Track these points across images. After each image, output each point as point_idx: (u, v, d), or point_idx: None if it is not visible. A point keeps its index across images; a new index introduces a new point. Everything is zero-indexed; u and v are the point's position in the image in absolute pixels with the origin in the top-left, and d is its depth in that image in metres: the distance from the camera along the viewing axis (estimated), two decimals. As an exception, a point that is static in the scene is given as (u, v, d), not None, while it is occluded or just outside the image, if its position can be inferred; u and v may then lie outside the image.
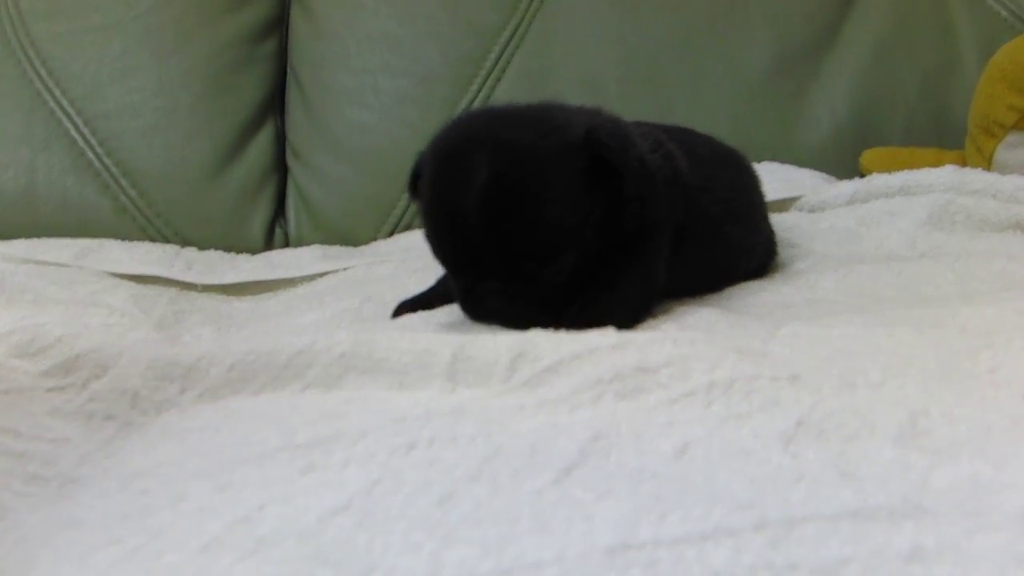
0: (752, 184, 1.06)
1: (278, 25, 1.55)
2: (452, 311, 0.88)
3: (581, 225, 0.77)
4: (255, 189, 1.47)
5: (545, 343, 0.64)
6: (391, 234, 1.44)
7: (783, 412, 0.54)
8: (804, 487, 0.48)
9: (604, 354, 0.62)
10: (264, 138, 1.50)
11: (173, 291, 1.20)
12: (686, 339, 0.63)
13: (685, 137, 0.97)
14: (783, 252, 1.10)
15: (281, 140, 1.53)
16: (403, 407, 0.60)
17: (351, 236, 1.44)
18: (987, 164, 1.25)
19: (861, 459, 0.50)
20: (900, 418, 0.53)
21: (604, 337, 0.64)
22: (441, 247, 0.80)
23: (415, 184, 0.83)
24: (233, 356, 0.73)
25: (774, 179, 1.33)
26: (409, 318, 0.87)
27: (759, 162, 1.38)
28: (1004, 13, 1.45)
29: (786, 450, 0.51)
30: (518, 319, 0.76)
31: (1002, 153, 1.23)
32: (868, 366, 0.62)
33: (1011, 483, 0.47)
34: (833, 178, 1.36)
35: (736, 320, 0.78)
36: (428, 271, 0.97)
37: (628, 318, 0.74)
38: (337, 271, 1.25)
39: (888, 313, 0.77)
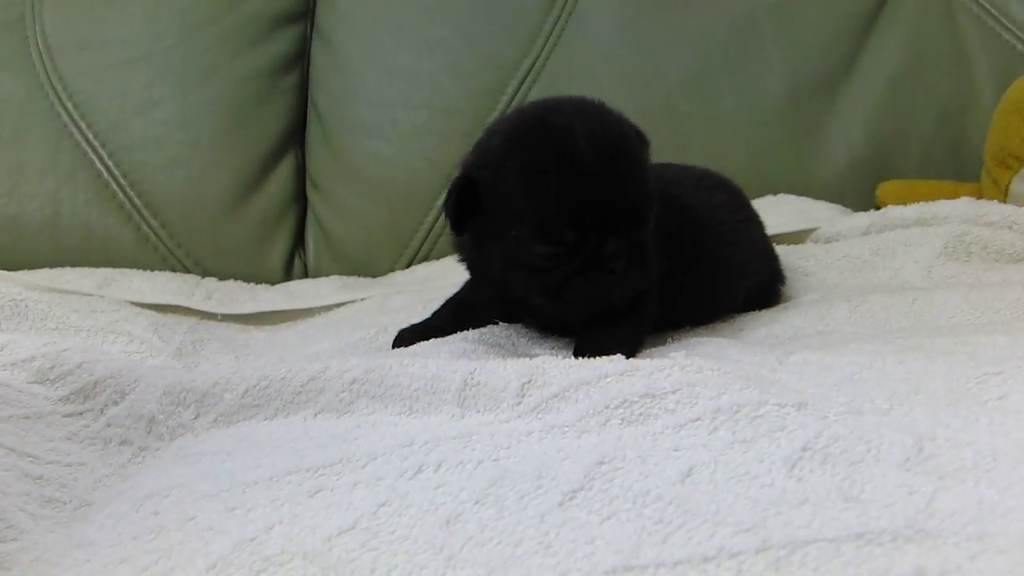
0: (737, 204, 1.06)
1: (299, 59, 1.58)
2: (463, 337, 0.88)
3: None
4: (275, 220, 1.48)
5: (553, 370, 0.65)
6: (408, 265, 1.45)
7: (788, 437, 0.54)
8: (808, 510, 0.48)
9: (612, 380, 0.63)
10: (284, 170, 1.52)
11: (193, 320, 1.21)
12: (694, 366, 0.64)
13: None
14: (797, 282, 1.10)
15: (301, 172, 1.55)
16: (412, 431, 0.61)
17: (369, 267, 1.45)
18: (1003, 196, 1.25)
19: (866, 483, 0.50)
20: (906, 443, 0.53)
21: (612, 364, 0.65)
22: (562, 215, 0.78)
23: (463, 208, 0.82)
24: (247, 382, 0.74)
25: (790, 211, 1.34)
26: (422, 345, 0.88)
27: (775, 194, 1.39)
28: (1020, 46, 1.45)
29: (791, 474, 0.51)
30: (622, 288, 0.81)
31: (1018, 185, 1.23)
32: (875, 393, 0.62)
33: (1016, 507, 0.47)
34: (849, 210, 1.36)
35: (746, 348, 0.78)
36: (443, 301, 0.98)
37: (625, 352, 0.73)
38: (354, 301, 1.26)
39: (899, 342, 0.77)
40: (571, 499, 0.50)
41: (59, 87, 1.47)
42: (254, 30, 1.52)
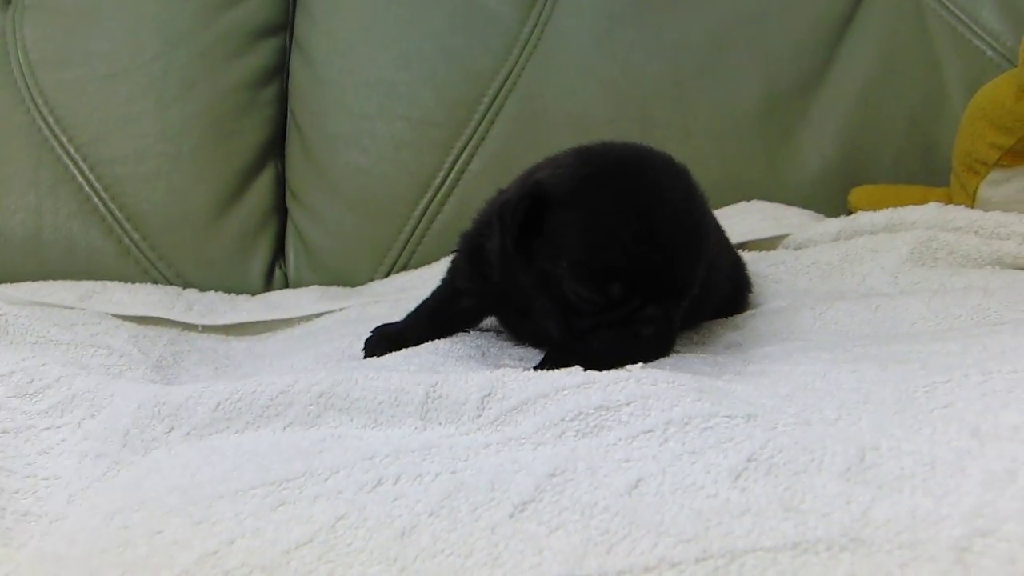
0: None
1: (279, 72, 1.59)
2: (433, 348, 0.90)
3: None
4: (255, 231, 1.50)
5: (513, 383, 0.66)
6: (387, 274, 1.47)
7: (735, 448, 0.56)
8: (749, 520, 0.50)
9: (569, 393, 0.64)
10: (264, 182, 1.53)
11: (174, 332, 1.22)
12: (649, 378, 0.65)
13: None
14: (767, 288, 1.11)
15: (281, 184, 1.56)
16: (374, 444, 0.63)
17: (349, 277, 1.47)
18: (971, 201, 1.27)
19: (806, 493, 0.51)
20: (848, 453, 0.55)
21: (570, 377, 0.66)
22: (617, 268, 0.77)
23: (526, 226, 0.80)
24: (219, 396, 0.75)
25: (763, 217, 1.36)
26: (392, 356, 0.89)
27: (748, 200, 1.41)
28: (990, 52, 1.47)
29: (735, 485, 0.53)
30: (663, 343, 0.80)
31: (985, 190, 1.25)
32: (825, 403, 0.64)
33: (949, 515, 0.48)
34: (821, 216, 1.38)
35: (707, 358, 0.80)
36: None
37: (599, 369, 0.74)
38: (333, 311, 1.28)
39: (857, 350, 0.79)
40: (522, 511, 0.52)
41: (40, 101, 1.48)
42: (233, 43, 1.54)
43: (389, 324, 0.98)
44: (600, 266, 0.77)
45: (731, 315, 1.02)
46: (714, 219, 1.05)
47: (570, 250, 0.77)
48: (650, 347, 0.79)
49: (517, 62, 1.51)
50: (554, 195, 0.79)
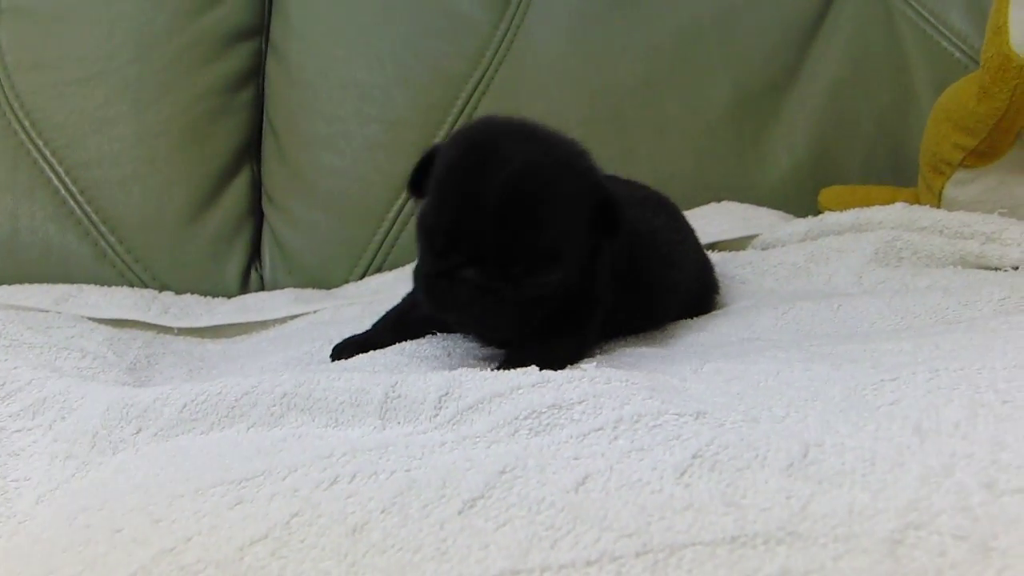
0: (676, 225, 1.09)
1: (254, 75, 1.60)
2: (399, 350, 0.91)
3: (575, 248, 0.80)
4: (231, 234, 1.51)
5: (470, 382, 0.68)
6: (362, 276, 1.48)
7: (682, 445, 0.57)
8: (690, 515, 0.51)
9: (524, 392, 0.65)
10: (240, 185, 1.54)
11: (149, 334, 1.23)
12: (602, 377, 0.67)
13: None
14: (734, 289, 1.13)
15: (257, 186, 1.57)
16: (332, 443, 0.64)
17: (324, 279, 1.47)
18: (937, 201, 1.29)
19: (748, 489, 0.53)
20: (792, 450, 0.56)
21: (525, 376, 0.68)
22: (441, 222, 0.78)
23: (420, 175, 0.83)
24: (185, 397, 0.76)
25: (733, 218, 1.37)
26: (359, 358, 0.90)
27: (719, 200, 1.43)
28: (957, 54, 1.49)
29: (679, 481, 0.54)
30: (479, 318, 0.80)
31: (950, 190, 1.27)
32: (775, 401, 0.65)
33: (884, 509, 0.50)
34: (791, 216, 1.39)
35: (665, 357, 0.81)
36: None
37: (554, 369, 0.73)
38: (307, 313, 1.29)
39: (813, 349, 0.80)
40: (471, 507, 0.53)
41: (16, 105, 1.49)
42: (209, 47, 1.54)
43: (357, 335, 0.99)
44: (432, 219, 0.79)
45: (697, 316, 1.04)
46: (673, 220, 1.07)
47: (423, 202, 0.80)
48: (469, 306, 0.78)
49: (490, 64, 1.53)
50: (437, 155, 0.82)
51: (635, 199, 1.02)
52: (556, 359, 0.80)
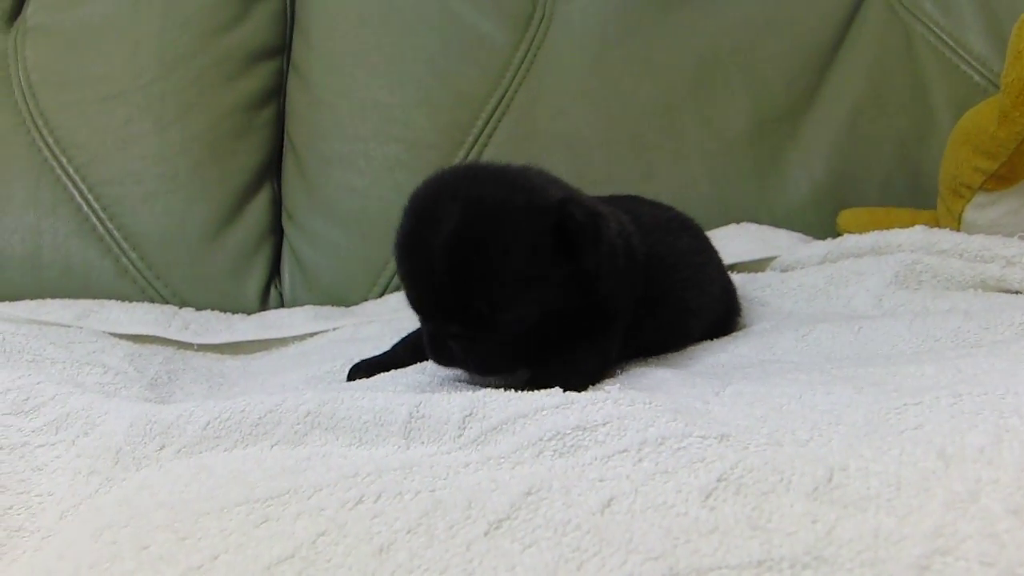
0: (700, 247, 1.09)
1: (276, 94, 1.62)
2: (420, 369, 0.92)
3: (540, 281, 0.79)
4: (251, 252, 1.52)
5: (494, 403, 0.68)
6: (381, 295, 1.49)
7: (707, 468, 0.57)
8: (716, 539, 0.51)
9: (548, 413, 0.65)
10: (261, 202, 1.55)
11: (169, 350, 1.24)
12: (626, 399, 0.67)
13: (633, 206, 1.01)
14: (753, 311, 1.13)
15: (277, 204, 1.58)
16: (358, 463, 0.64)
17: (343, 297, 1.48)
18: (957, 224, 1.29)
19: (773, 512, 0.53)
20: (817, 474, 0.56)
21: (549, 398, 0.68)
22: (409, 293, 0.82)
23: None
24: (209, 414, 0.77)
25: (752, 239, 1.37)
26: (380, 377, 0.91)
27: (738, 223, 1.43)
28: (977, 77, 1.50)
29: (704, 504, 0.54)
30: (477, 364, 0.82)
31: (970, 213, 1.27)
32: (799, 424, 0.65)
33: (910, 534, 0.50)
34: (810, 238, 1.40)
35: (687, 379, 0.81)
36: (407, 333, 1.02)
37: (577, 389, 0.74)
38: (327, 331, 1.29)
39: (835, 371, 0.80)
40: (497, 528, 0.54)
41: (40, 123, 1.50)
42: (231, 66, 1.56)
43: (374, 356, 0.99)
44: (404, 289, 0.83)
45: (719, 337, 1.04)
46: (697, 242, 1.07)
47: None
48: (467, 356, 0.82)
49: (510, 85, 1.54)
50: None
51: (659, 221, 1.03)
52: (579, 377, 0.81)
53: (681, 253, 1.02)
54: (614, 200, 0.99)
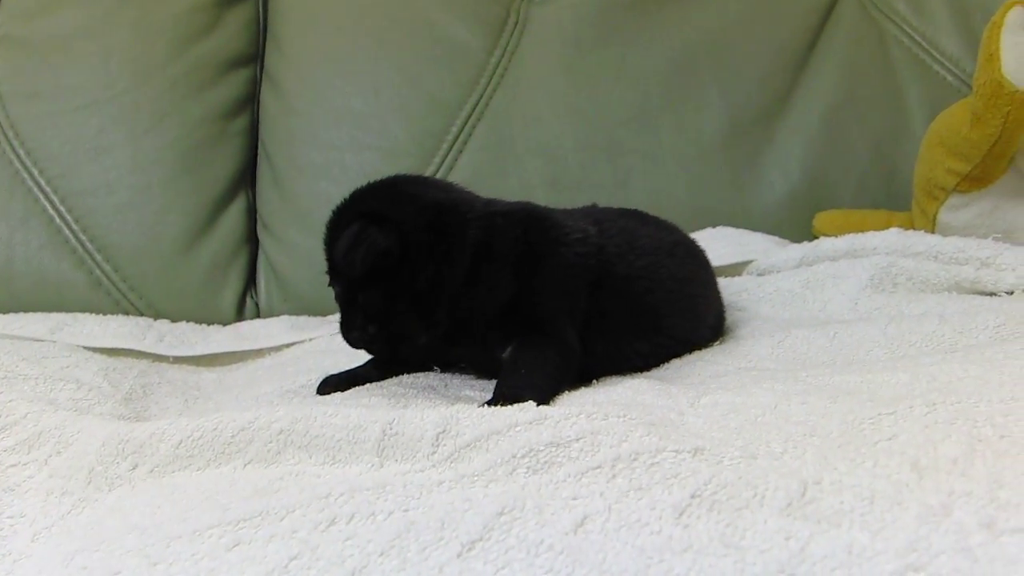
0: (698, 273, 1.08)
1: (249, 102, 1.60)
2: (399, 381, 0.91)
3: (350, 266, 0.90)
4: (226, 262, 1.50)
5: (467, 419, 0.68)
6: (357, 303, 1.47)
7: (680, 484, 0.57)
8: (690, 557, 0.51)
9: (521, 429, 0.65)
10: (235, 212, 1.54)
11: (144, 363, 1.23)
12: (600, 413, 0.67)
13: (630, 226, 1.02)
14: (730, 317, 1.13)
15: (252, 214, 1.57)
16: (331, 483, 0.64)
17: (320, 306, 1.47)
18: (931, 226, 1.29)
19: (747, 529, 0.53)
20: (791, 488, 0.56)
21: (523, 413, 0.67)
22: None
23: None
24: (182, 432, 0.76)
25: (728, 243, 1.37)
26: (356, 390, 0.91)
27: (714, 227, 1.43)
28: (950, 78, 1.50)
29: (678, 521, 0.54)
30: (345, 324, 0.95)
31: (944, 215, 1.27)
32: (773, 436, 0.65)
33: (884, 550, 0.50)
34: (786, 241, 1.40)
35: (663, 390, 0.81)
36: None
37: (537, 399, 0.76)
38: (303, 341, 1.29)
39: (810, 380, 0.80)
40: (470, 550, 0.53)
41: (11, 134, 1.49)
42: (204, 75, 1.55)
43: (343, 371, 1.00)
44: None
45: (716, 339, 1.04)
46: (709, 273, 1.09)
47: None
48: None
49: (484, 92, 1.53)
50: None
51: (655, 245, 1.02)
52: (537, 373, 0.85)
53: (683, 281, 1.02)
54: (607, 214, 1.05)
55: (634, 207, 1.12)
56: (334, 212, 0.98)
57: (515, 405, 0.70)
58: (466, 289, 0.91)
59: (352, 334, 0.94)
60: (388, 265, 0.89)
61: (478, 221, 0.93)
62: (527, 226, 0.95)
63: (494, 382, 0.91)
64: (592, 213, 1.05)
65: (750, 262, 1.32)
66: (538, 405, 0.71)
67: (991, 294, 1.10)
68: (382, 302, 0.92)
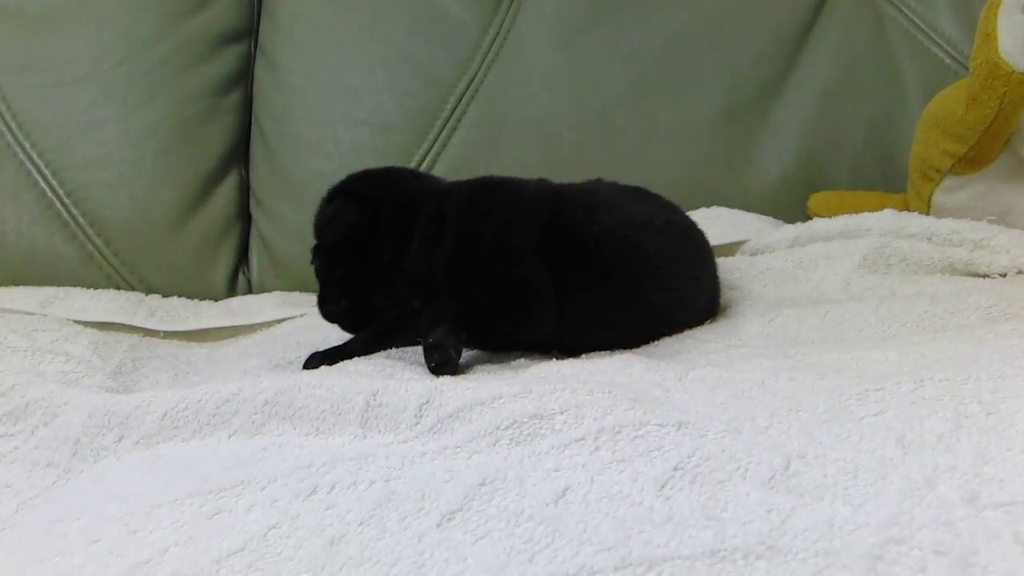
0: (692, 254, 1.07)
1: (242, 78, 1.59)
2: (387, 353, 0.91)
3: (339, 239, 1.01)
4: (219, 237, 1.50)
5: (451, 391, 0.67)
6: (349, 280, 1.47)
7: (663, 457, 0.57)
8: (670, 529, 0.51)
9: (505, 402, 0.65)
10: (228, 188, 1.53)
11: (134, 338, 1.22)
12: (585, 387, 0.66)
13: (621, 200, 1.02)
14: (722, 296, 1.12)
15: (245, 189, 1.56)
16: (313, 453, 0.64)
17: (311, 283, 1.44)
18: (926, 208, 1.28)
19: (728, 502, 0.52)
20: (774, 462, 0.56)
21: (507, 386, 0.67)
22: None
23: None
24: (167, 404, 0.76)
25: (722, 223, 1.37)
26: (344, 364, 0.90)
27: (708, 207, 1.42)
28: (947, 59, 1.49)
29: (660, 493, 0.54)
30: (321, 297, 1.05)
31: (939, 197, 1.27)
32: (759, 411, 0.65)
33: (865, 523, 0.49)
34: (780, 222, 1.39)
35: (650, 365, 0.81)
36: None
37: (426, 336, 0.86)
38: (294, 317, 1.28)
39: (799, 357, 0.80)
40: (449, 520, 0.53)
41: (2, 107, 1.47)
42: (197, 49, 1.53)
43: (330, 348, 0.99)
44: None
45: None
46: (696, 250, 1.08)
47: None
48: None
49: (479, 69, 1.52)
50: None
51: (643, 220, 1.01)
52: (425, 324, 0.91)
53: (674, 261, 1.01)
54: (602, 187, 1.07)
55: (672, 203, 1.10)
56: (327, 192, 1.05)
57: (500, 378, 0.70)
58: (419, 250, 0.97)
59: (327, 307, 1.02)
60: (362, 240, 0.98)
61: (437, 195, 1.00)
62: (478, 191, 1.00)
63: (476, 354, 0.91)
64: (590, 187, 1.05)
65: (744, 242, 1.32)
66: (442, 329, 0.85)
67: (984, 276, 1.09)
68: (355, 276, 1.00)
